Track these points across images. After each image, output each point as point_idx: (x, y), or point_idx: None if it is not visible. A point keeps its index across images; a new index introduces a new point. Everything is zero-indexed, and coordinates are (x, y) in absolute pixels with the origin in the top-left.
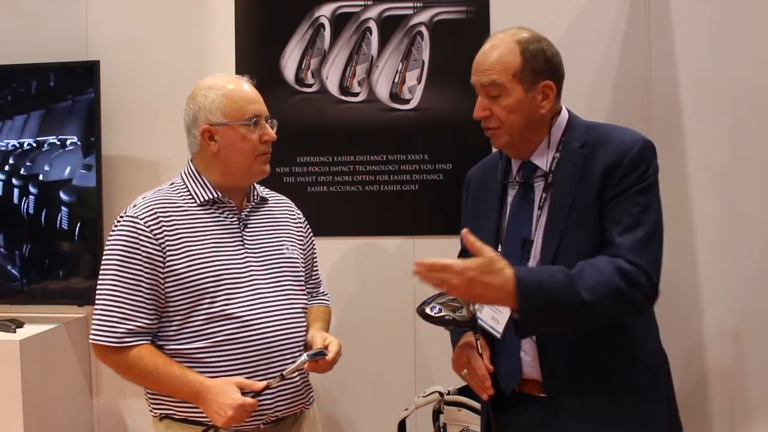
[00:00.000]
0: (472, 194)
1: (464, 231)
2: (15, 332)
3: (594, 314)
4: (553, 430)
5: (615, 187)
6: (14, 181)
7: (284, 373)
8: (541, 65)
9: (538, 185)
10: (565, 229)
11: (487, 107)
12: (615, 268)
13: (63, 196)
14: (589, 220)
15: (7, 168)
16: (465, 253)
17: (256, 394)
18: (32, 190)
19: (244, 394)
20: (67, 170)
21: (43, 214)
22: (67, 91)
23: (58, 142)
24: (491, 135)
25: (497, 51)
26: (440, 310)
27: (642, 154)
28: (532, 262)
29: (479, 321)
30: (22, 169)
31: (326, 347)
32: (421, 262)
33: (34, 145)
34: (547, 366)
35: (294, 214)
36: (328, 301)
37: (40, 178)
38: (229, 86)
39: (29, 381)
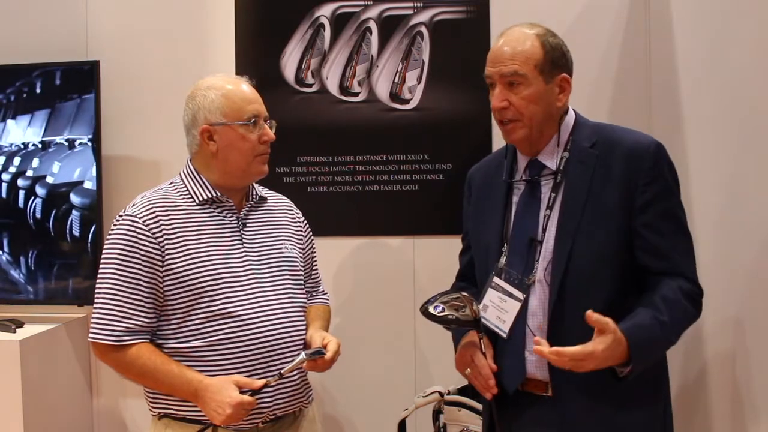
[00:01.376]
0: (475, 193)
1: (589, 314)
2: (15, 332)
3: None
4: (557, 430)
5: (643, 194)
6: (14, 181)
7: (282, 371)
8: (560, 58)
9: (546, 184)
10: (578, 229)
11: (506, 97)
12: (683, 295)
13: (63, 196)
14: (607, 221)
15: (8, 168)
16: (468, 250)
17: (255, 392)
18: (33, 190)
19: (242, 392)
20: (64, 170)
21: (43, 214)
22: (66, 92)
23: (65, 143)
24: (509, 129)
25: (518, 42)
26: (444, 310)
27: (659, 157)
28: (542, 263)
29: (484, 321)
30: (24, 170)
31: (325, 346)
32: (560, 351)
33: (39, 145)
34: (556, 368)
35: (293, 214)
36: (327, 300)
37: (40, 178)
38: (229, 86)
39: (29, 381)
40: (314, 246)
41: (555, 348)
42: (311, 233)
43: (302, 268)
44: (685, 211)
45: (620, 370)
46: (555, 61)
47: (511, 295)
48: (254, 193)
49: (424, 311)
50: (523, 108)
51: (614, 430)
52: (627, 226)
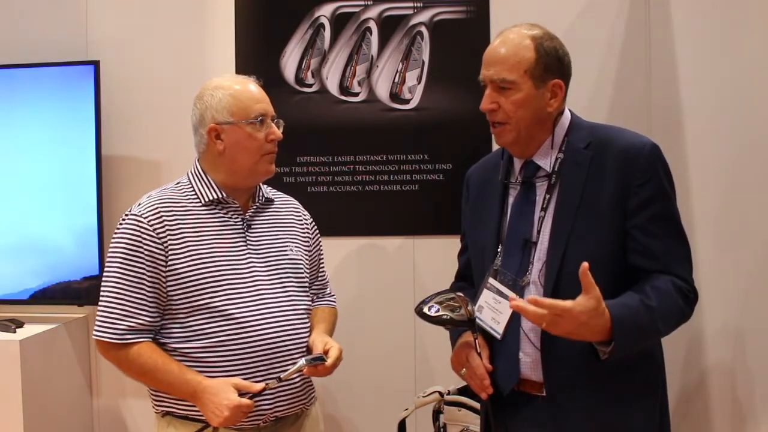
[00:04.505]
0: (473, 193)
1: (585, 266)
2: (15, 332)
3: (661, 336)
4: (552, 430)
5: (636, 196)
6: (14, 181)
7: (282, 376)
8: (554, 63)
9: (541, 185)
10: (572, 231)
11: (495, 100)
12: (675, 290)
13: (63, 196)
14: (601, 223)
15: (7, 168)
16: (466, 250)
17: (254, 395)
18: (32, 190)
19: (241, 395)
20: (68, 170)
21: (43, 213)
22: (67, 91)
23: (65, 142)
24: (497, 132)
25: (511, 45)
26: (438, 310)
27: (654, 158)
28: (537, 264)
29: (479, 321)
30: (23, 169)
31: (326, 352)
32: (537, 300)
33: (39, 145)
34: (549, 367)
35: (300, 216)
36: (334, 302)
37: (41, 178)
38: (236, 86)
39: (29, 381)
40: (321, 248)
41: (532, 297)
42: (319, 235)
43: (307, 271)
44: (679, 214)
45: (602, 350)
46: (548, 66)
47: (505, 296)
48: (261, 194)
49: (419, 311)
50: (511, 112)
51: (609, 431)
52: (620, 227)
